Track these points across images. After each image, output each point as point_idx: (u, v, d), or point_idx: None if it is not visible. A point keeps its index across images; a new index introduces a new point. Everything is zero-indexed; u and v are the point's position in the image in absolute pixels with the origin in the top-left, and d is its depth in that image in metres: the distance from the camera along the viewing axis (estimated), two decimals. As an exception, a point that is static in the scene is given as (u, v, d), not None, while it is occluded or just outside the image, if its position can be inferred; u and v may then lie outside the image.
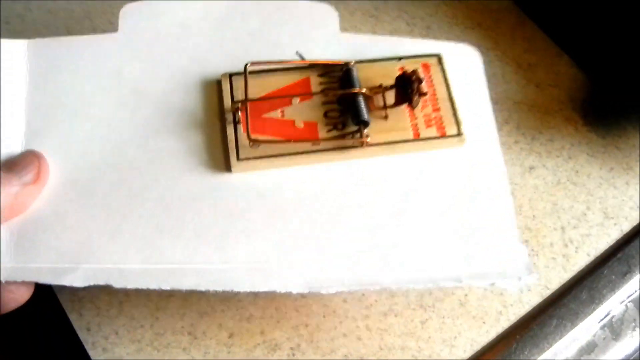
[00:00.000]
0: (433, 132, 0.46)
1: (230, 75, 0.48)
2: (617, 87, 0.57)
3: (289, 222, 0.44)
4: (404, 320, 0.47)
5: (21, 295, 0.42)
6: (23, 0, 0.62)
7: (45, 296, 0.48)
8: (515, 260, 0.43)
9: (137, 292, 0.48)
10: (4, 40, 0.48)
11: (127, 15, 0.50)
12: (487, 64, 0.58)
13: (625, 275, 0.50)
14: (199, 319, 0.47)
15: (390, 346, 0.47)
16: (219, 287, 0.41)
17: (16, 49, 0.48)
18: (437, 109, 0.47)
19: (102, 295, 0.48)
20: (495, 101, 0.56)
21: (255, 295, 0.48)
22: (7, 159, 0.44)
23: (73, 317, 0.47)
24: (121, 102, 0.47)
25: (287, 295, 0.48)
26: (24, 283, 0.42)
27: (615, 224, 0.52)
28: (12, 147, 0.45)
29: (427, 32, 0.60)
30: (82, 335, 0.47)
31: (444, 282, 0.42)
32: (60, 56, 0.49)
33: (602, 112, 0.56)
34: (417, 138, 0.46)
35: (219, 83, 0.48)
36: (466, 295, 0.48)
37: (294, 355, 0.46)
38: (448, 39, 0.59)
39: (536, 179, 0.53)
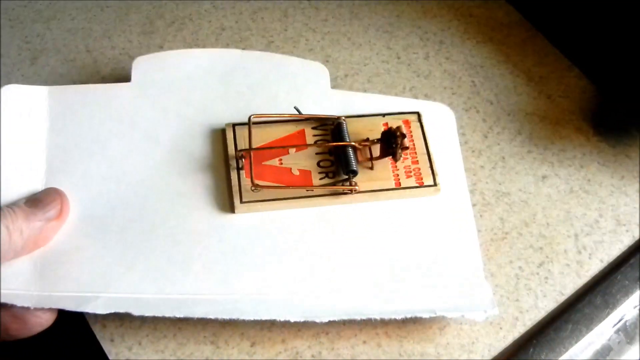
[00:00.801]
0: (412, 182, 0.51)
1: (234, 125, 0.52)
2: (626, 98, 0.58)
3: (286, 258, 0.48)
4: (423, 327, 0.48)
5: (46, 320, 0.45)
6: (42, 22, 0.63)
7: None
8: (481, 296, 0.48)
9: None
10: (27, 87, 0.52)
11: (139, 66, 0.55)
12: (499, 76, 0.59)
13: (638, 280, 0.50)
14: (221, 328, 0.48)
15: (410, 352, 0.47)
16: (226, 316, 0.46)
17: (38, 94, 0.53)
18: (415, 162, 0.52)
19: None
20: (508, 113, 0.57)
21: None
22: (33, 196, 0.47)
23: (96, 329, 0.48)
24: (134, 146, 0.52)
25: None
26: (49, 309, 0.45)
27: (627, 231, 0.52)
28: (34, 184, 0.49)
29: (440, 47, 0.61)
30: (106, 347, 0.47)
31: (421, 314, 0.46)
32: (78, 102, 0.53)
33: (612, 122, 0.57)
34: (398, 187, 0.51)
35: (223, 131, 0.52)
36: (483, 302, 0.49)
37: (315, 362, 0.47)
38: (461, 52, 0.61)
39: (549, 187, 0.54)
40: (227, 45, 0.61)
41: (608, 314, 0.49)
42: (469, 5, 0.65)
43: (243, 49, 0.61)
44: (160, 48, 0.61)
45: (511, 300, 0.49)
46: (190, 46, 0.61)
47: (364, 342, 0.47)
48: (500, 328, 0.48)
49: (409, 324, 0.48)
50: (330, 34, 0.63)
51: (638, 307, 0.50)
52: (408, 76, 0.60)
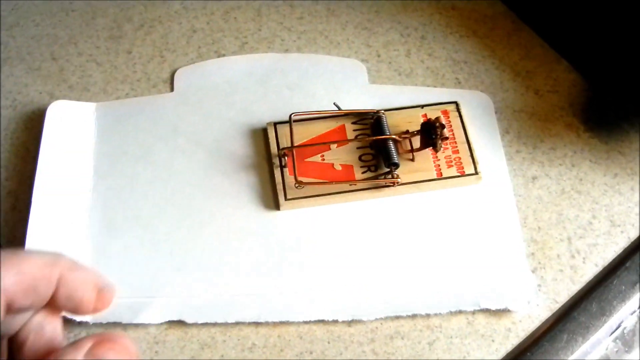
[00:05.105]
0: (453, 171, 0.52)
1: (275, 124, 0.54)
2: (617, 91, 0.56)
3: (332, 255, 0.49)
4: (411, 342, 0.46)
5: None
6: (4, 30, 0.61)
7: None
8: (525, 287, 0.48)
9: (136, 325, 0.46)
10: (77, 103, 0.55)
11: (180, 76, 0.58)
12: (484, 72, 0.57)
13: (635, 284, 0.48)
14: (200, 350, 0.46)
15: (399, 370, 0.45)
16: (277, 319, 0.47)
17: (87, 109, 0.55)
18: (456, 151, 0.53)
19: (100, 330, 0.46)
20: (495, 110, 0.55)
21: (257, 323, 0.46)
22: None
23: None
24: (179, 149, 0.54)
25: (290, 322, 0.47)
26: None
27: (622, 232, 0.50)
28: (82, 186, 0.52)
29: (422, 43, 0.59)
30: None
31: (466, 307, 0.47)
32: (124, 113, 0.56)
33: (603, 117, 0.55)
34: (440, 177, 0.52)
35: (264, 131, 0.54)
36: (473, 313, 0.47)
37: (299, 384, 0.46)
38: (444, 48, 0.59)
39: (540, 189, 0.52)
40: (199, 48, 0.59)
41: (605, 321, 0.47)
42: (451, -3, 0.62)
43: (216, 51, 0.59)
44: (129, 53, 0.59)
45: (503, 310, 0.47)
46: (160, 50, 0.59)
47: (350, 360, 0.46)
48: (493, 340, 0.46)
49: (397, 340, 0.46)
50: (307, 32, 0.60)
51: (636, 313, 0.48)
52: (389, 75, 0.58)
